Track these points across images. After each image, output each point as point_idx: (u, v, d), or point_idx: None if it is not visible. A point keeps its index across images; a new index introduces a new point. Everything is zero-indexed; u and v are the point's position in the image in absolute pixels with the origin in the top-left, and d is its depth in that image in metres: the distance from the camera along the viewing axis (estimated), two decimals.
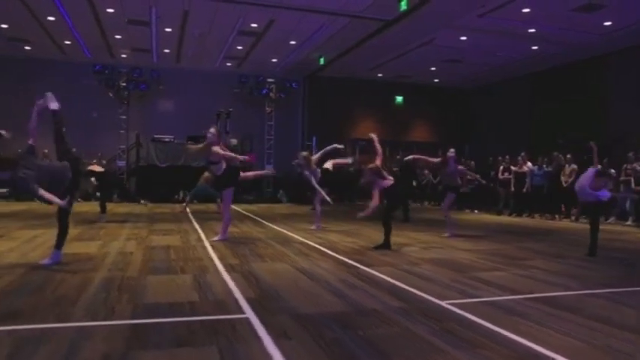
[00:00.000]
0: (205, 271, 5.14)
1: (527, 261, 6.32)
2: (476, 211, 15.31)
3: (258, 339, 3.07)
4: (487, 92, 20.62)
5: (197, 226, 9.55)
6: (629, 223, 11.95)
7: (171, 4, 12.38)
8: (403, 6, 11.48)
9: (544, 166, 13.56)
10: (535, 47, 15.18)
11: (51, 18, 13.69)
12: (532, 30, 13.59)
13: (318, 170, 9.52)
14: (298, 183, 19.53)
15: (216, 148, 7.12)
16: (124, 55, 17.52)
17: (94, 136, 17.95)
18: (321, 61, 17.02)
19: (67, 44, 16.28)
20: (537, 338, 3.17)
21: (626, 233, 10.24)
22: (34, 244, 6.90)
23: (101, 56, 17.48)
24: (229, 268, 5.30)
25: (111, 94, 17.61)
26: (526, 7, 11.93)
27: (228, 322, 3.43)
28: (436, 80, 20.49)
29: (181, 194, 17.38)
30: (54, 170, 5.23)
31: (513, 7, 11.90)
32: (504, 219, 13.26)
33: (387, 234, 7.01)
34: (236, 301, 3.99)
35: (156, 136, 17.44)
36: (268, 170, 7.19)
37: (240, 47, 16.25)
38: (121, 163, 17.49)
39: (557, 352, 2.91)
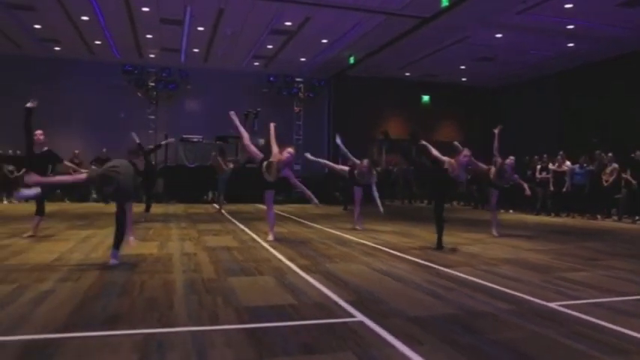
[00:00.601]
0: (283, 273, 4.97)
1: (600, 261, 6.10)
2: (511, 211, 15.05)
3: (389, 344, 2.89)
4: (515, 91, 20.35)
5: (242, 227, 9.41)
6: None
7: (207, 2, 12.27)
8: (445, 2, 11.29)
9: (585, 165, 13.29)
10: (571, 44, 14.90)
11: (85, 18, 13.64)
12: (571, 26, 13.33)
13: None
14: (325, 183, 19.43)
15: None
16: (152, 55, 17.45)
17: (123, 136, 17.85)
18: (351, 60, 16.85)
19: (97, 44, 16.24)
20: None
21: None
22: (90, 244, 6.78)
23: (129, 56, 17.43)
24: (305, 269, 5.13)
25: (140, 94, 17.55)
26: (568, 3, 11.67)
27: (344, 325, 3.25)
28: (464, 79, 20.25)
29: (210, 195, 17.30)
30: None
31: (555, 3, 11.67)
32: (545, 219, 13.01)
33: (439, 232, 6.81)
34: (335, 303, 3.81)
35: (184, 136, 17.35)
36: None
37: (270, 46, 16.11)
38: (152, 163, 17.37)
39: None
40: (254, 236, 7.92)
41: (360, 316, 3.43)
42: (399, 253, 6.35)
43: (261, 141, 18.44)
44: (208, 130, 17.62)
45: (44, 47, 16.48)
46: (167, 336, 2.97)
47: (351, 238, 7.95)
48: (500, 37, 14.46)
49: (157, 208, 13.97)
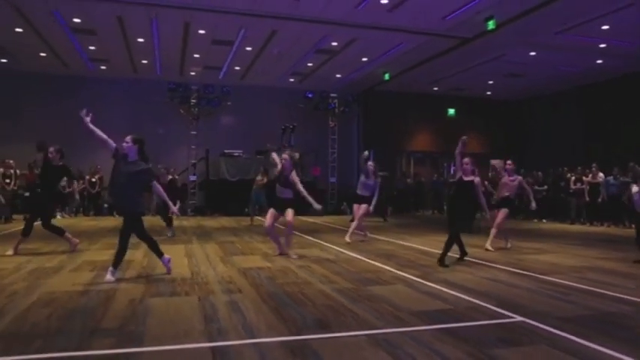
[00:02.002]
0: (408, 282, 5.60)
1: None
2: (544, 220, 15.69)
3: (565, 338, 3.54)
4: (538, 103, 21.04)
5: (316, 240, 10.00)
6: None
7: (262, 25, 12.95)
8: (491, 25, 12.00)
9: (618, 176, 13.96)
10: (600, 61, 15.62)
11: (140, 40, 14.32)
12: (603, 45, 14.04)
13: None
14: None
15: (293, 176, 7.42)
16: (192, 73, 18.14)
17: (166, 152, 18.58)
18: (386, 77, 17.54)
19: (143, 63, 16.91)
20: None
21: None
22: (201, 257, 7.41)
23: (170, 74, 18.10)
24: (424, 278, 5.76)
25: (182, 111, 18.22)
26: (605, 25, 12.39)
27: (513, 324, 3.90)
28: (488, 93, 20.96)
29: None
30: None
31: (593, 25, 12.36)
32: (584, 228, 13.64)
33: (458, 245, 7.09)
34: (485, 307, 4.45)
35: (226, 151, 18.01)
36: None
37: (310, 64, 16.81)
38: (193, 177, 18.03)
39: None
40: (338, 249, 8.54)
41: (517, 317, 4.08)
42: (487, 262, 6.99)
43: (297, 155, 19.17)
44: (247, 144, 18.28)
45: (92, 66, 17.17)
46: (384, 336, 3.61)
47: (426, 248, 8.56)
48: (534, 55, 15.17)
49: (210, 222, 14.66)
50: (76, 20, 12.71)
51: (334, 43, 14.49)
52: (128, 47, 15.07)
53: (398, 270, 6.33)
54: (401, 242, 9.51)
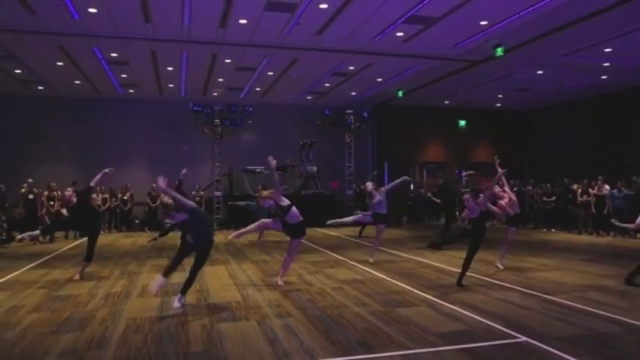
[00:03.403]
0: (430, 303, 6.52)
1: None
2: (553, 230, 16.48)
3: (561, 357, 4.43)
4: (546, 115, 21.85)
5: (342, 258, 10.91)
6: None
7: (284, 55, 13.94)
8: (499, 52, 12.86)
9: (623, 189, 14.74)
10: (604, 77, 16.41)
11: (170, 68, 15.37)
12: (607, 64, 14.85)
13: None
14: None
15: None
16: (215, 94, 19.18)
17: (190, 169, 19.55)
18: (400, 94, 18.44)
19: (170, 87, 17.97)
20: None
21: None
22: (238, 275, 8.38)
23: (194, 95, 19.17)
24: (443, 299, 6.67)
25: (206, 130, 19.26)
26: (608, 48, 13.21)
27: (519, 344, 4.81)
28: (498, 105, 21.78)
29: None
30: None
31: (597, 48, 13.20)
32: (592, 239, 14.39)
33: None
34: (496, 327, 5.35)
35: (248, 167, 19.00)
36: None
37: (327, 84, 17.79)
38: (218, 193, 19.04)
39: None
40: (364, 268, 9.45)
41: (523, 337, 4.99)
42: (498, 282, 7.88)
43: (314, 169, 20.15)
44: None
45: (121, 90, 18.27)
46: (418, 356, 4.53)
47: (445, 267, 9.46)
48: (541, 73, 16.01)
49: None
50: (114, 55, 13.78)
51: (351, 68, 15.45)
52: (157, 74, 16.14)
53: (420, 291, 7.24)
54: (420, 259, 10.37)
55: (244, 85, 17.78)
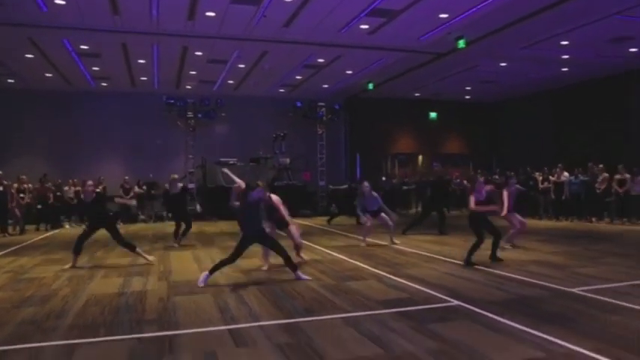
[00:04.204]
0: (380, 277, 6.93)
1: (601, 259, 8.12)
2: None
3: (486, 315, 4.86)
4: (513, 106, 22.45)
5: (308, 243, 11.25)
6: None
7: (254, 47, 14.21)
8: (461, 44, 13.31)
9: (579, 175, 15.36)
10: (565, 69, 17.01)
11: (141, 61, 15.54)
12: (566, 56, 15.42)
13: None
14: (347, 197, 21.40)
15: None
16: (188, 87, 19.36)
17: (164, 162, 19.82)
18: (370, 86, 18.85)
19: (142, 79, 18.11)
20: None
21: None
22: (203, 261, 8.70)
23: (167, 88, 19.32)
24: (393, 274, 7.08)
25: (179, 123, 19.44)
26: (565, 40, 13.75)
27: (451, 307, 5.22)
28: (467, 97, 22.32)
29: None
30: None
31: (554, 41, 13.73)
32: (550, 223, 15.01)
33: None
34: (435, 295, 5.77)
35: (221, 159, 19.22)
36: None
37: (299, 77, 18.10)
38: (191, 185, 19.25)
39: None
40: (326, 251, 9.84)
41: (456, 302, 5.41)
42: (449, 259, 8.33)
43: (287, 160, 20.47)
44: (241, 152, 19.51)
45: (93, 83, 18.35)
46: (356, 318, 4.91)
47: (404, 248, 9.89)
48: (505, 65, 16.54)
49: (209, 227, 15.89)
50: (84, 47, 13.91)
51: (320, 60, 15.78)
52: (129, 67, 16.28)
53: (374, 268, 7.65)
54: (384, 243, 10.78)
55: (217, 77, 17.99)
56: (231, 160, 19.41)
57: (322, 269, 7.69)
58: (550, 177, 16.14)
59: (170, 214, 16.12)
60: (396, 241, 10.58)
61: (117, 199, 11.04)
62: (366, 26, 12.50)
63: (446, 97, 22.14)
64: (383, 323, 4.67)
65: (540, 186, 16.35)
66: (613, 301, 5.32)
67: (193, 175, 19.91)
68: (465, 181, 19.51)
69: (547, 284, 6.22)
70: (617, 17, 11.89)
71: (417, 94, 21.61)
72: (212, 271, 6.68)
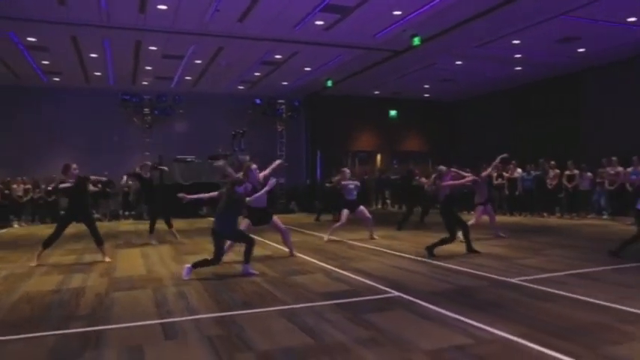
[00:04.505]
0: (327, 271, 6.91)
1: (544, 251, 8.33)
2: (472, 212, 17.34)
3: (422, 305, 4.90)
4: (472, 105, 22.88)
5: (261, 238, 11.16)
6: (605, 217, 14.23)
7: (210, 42, 14.04)
8: (416, 42, 13.46)
9: (531, 172, 15.77)
10: (519, 68, 17.43)
11: (93, 55, 15.14)
12: (518, 56, 15.79)
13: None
14: (306, 194, 21.43)
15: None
16: (145, 83, 18.99)
17: (121, 159, 19.38)
18: (329, 83, 18.87)
19: (96, 75, 17.65)
20: (585, 294, 5.09)
21: (606, 225, 12.42)
22: (152, 259, 8.52)
23: (123, 84, 18.90)
24: (340, 268, 7.08)
25: (135, 120, 19.04)
26: (516, 40, 14.07)
27: (391, 298, 5.25)
28: (426, 95, 22.61)
29: (205, 209, 18.99)
30: None
31: (506, 40, 14.04)
32: (504, 218, 15.28)
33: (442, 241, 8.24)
34: (377, 286, 5.79)
35: (179, 156, 18.93)
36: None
37: (257, 73, 17.98)
38: None
39: (601, 301, 4.83)
40: (277, 246, 9.77)
41: (396, 293, 5.44)
42: (397, 253, 8.40)
43: (247, 158, 20.29)
44: (199, 149, 19.25)
45: (45, 78, 17.79)
46: (292, 310, 4.88)
47: (355, 243, 9.93)
48: (461, 64, 16.82)
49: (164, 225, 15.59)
50: (31, 39, 13.46)
51: (278, 56, 15.71)
52: (81, 61, 15.85)
53: (322, 262, 7.64)
54: (337, 238, 10.78)
55: (174, 74, 17.71)
56: (189, 158, 19.17)
57: (271, 264, 7.64)
58: (504, 173, 16.49)
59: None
60: (375, 237, 10.56)
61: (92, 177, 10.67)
62: (321, 22, 12.51)
63: (406, 96, 22.38)
64: (319, 314, 4.65)
65: (494, 182, 16.66)
66: (547, 289, 5.45)
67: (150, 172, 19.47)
68: (424, 179, 19.70)
69: (488, 275, 6.33)
70: (564, 18, 12.24)
71: (376, 92, 21.77)
72: (195, 265, 6.58)
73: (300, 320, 4.47)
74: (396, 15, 12.19)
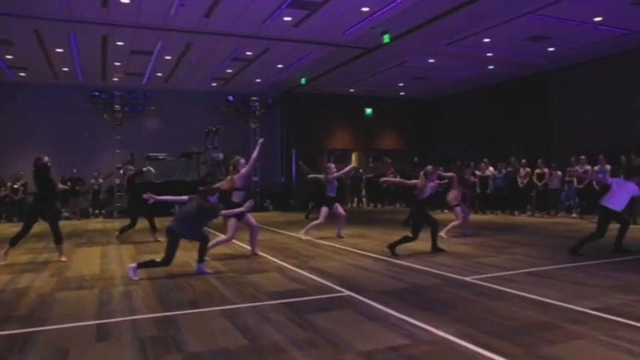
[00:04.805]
0: (283, 270, 6.81)
1: (507, 249, 8.33)
2: (446, 211, 17.39)
3: (368, 304, 4.83)
4: (447, 103, 22.96)
5: (223, 235, 11.01)
6: (574, 215, 14.37)
7: (179, 38, 13.80)
8: (386, 39, 13.41)
9: (502, 170, 15.85)
10: (491, 67, 17.50)
11: (59, 50, 14.80)
12: (490, 54, 15.85)
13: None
14: (281, 192, 21.29)
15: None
16: (115, 79, 18.65)
17: (91, 157, 19.06)
18: (303, 81, 18.75)
19: (64, 70, 17.28)
20: (536, 293, 5.06)
21: (574, 224, 12.51)
22: (110, 258, 8.33)
23: (93, 80, 18.53)
24: (298, 267, 6.98)
25: (106, 116, 18.70)
26: (486, 38, 14.10)
27: (341, 297, 5.16)
28: (402, 93, 22.62)
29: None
30: None
31: (476, 38, 14.06)
32: (475, 217, 15.31)
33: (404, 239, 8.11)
34: (329, 286, 5.71)
35: (150, 154, 18.62)
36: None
37: (229, 70, 17.77)
38: (118, 181, 18.56)
39: (551, 300, 4.81)
40: (241, 244, 9.63)
41: (347, 292, 5.36)
42: (361, 251, 8.33)
43: (220, 156, 20.08)
44: (171, 147, 18.97)
45: (11, 74, 17.36)
46: (235, 310, 4.76)
47: (321, 242, 9.84)
48: (433, 62, 16.83)
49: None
50: None
51: (248, 53, 15.53)
52: (47, 56, 15.48)
53: (281, 261, 7.53)
54: (299, 236, 10.67)
55: (144, 70, 17.41)
56: (161, 155, 18.88)
57: (229, 262, 7.51)
58: (476, 171, 16.54)
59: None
60: (343, 235, 10.44)
61: None
62: (289, 18, 12.36)
63: (381, 94, 22.35)
64: (262, 314, 4.54)
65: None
66: (501, 288, 5.41)
67: (121, 170, 19.16)
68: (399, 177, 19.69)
69: (444, 273, 6.29)
70: (532, 17, 12.29)
71: (352, 90, 21.70)
72: (140, 265, 6.44)
73: (241, 320, 4.35)
74: (365, 11, 12.09)
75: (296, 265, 7.06)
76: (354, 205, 21.17)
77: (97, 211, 18.60)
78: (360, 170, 21.75)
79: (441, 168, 16.01)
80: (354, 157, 23.60)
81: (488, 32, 13.59)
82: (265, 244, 9.66)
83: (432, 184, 8.22)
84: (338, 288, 5.57)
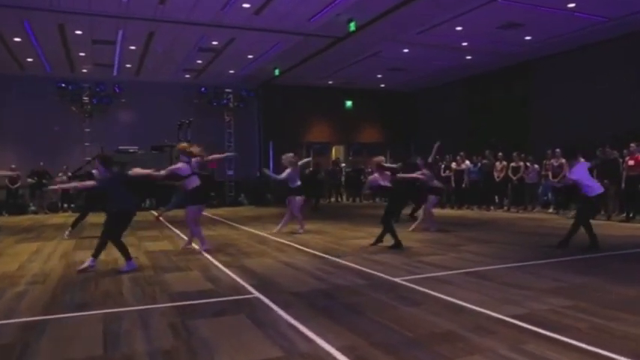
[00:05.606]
0: (207, 268, 6.38)
1: (460, 246, 7.89)
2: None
3: (269, 307, 4.40)
4: (428, 94, 22.50)
5: (175, 230, 10.61)
6: (550, 210, 13.93)
7: (138, 26, 13.33)
8: (352, 27, 12.94)
9: (478, 163, 15.40)
10: (469, 57, 17.03)
11: (17, 39, 14.30)
12: (465, 43, 15.37)
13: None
14: (257, 186, 20.85)
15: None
16: (84, 70, 18.15)
17: (60, 150, 18.58)
18: (276, 72, 18.28)
19: (29, 61, 16.78)
20: (460, 297, 4.63)
21: (547, 219, 12.09)
22: (42, 255, 7.89)
23: (61, 71, 18.03)
24: (226, 265, 6.55)
25: (74, 109, 18.22)
26: (458, 26, 13.64)
27: (245, 300, 4.73)
28: (382, 85, 22.13)
29: (148, 202, 18.32)
30: None
31: (448, 26, 13.60)
32: (449, 212, 14.93)
33: (391, 233, 7.89)
34: (243, 286, 5.28)
35: (121, 147, 18.17)
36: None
37: (199, 61, 17.29)
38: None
39: (472, 304, 4.38)
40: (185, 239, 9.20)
41: (257, 294, 4.92)
42: (304, 248, 7.89)
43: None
44: (143, 140, 18.51)
45: None
46: (121, 313, 4.33)
47: (270, 237, 9.40)
48: (407, 52, 16.35)
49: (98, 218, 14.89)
50: None
51: (214, 43, 15.05)
52: (6, 46, 14.97)
53: (214, 258, 7.08)
54: (255, 231, 10.24)
55: (112, 60, 16.92)
56: (132, 149, 18.42)
57: (157, 259, 7.09)
58: (452, 165, 16.09)
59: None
60: (301, 231, 9.95)
61: None
62: (247, 5, 11.88)
63: (361, 86, 21.86)
64: (144, 319, 4.12)
65: (442, 174, 16.27)
66: (426, 290, 4.97)
67: (90, 164, 18.71)
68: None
69: (376, 273, 5.85)
70: (502, 2, 11.83)
71: (330, 82, 21.22)
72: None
73: (115, 326, 3.92)
74: None
75: (225, 263, 6.62)
76: (333, 199, 20.73)
77: (65, 205, 18.14)
78: (343, 164, 21.38)
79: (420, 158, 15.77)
80: (334, 150, 23.16)
81: (459, 20, 13.13)
82: (214, 239, 9.22)
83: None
84: (250, 289, 5.13)
